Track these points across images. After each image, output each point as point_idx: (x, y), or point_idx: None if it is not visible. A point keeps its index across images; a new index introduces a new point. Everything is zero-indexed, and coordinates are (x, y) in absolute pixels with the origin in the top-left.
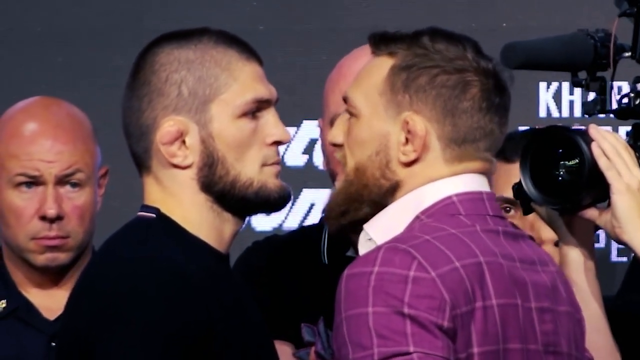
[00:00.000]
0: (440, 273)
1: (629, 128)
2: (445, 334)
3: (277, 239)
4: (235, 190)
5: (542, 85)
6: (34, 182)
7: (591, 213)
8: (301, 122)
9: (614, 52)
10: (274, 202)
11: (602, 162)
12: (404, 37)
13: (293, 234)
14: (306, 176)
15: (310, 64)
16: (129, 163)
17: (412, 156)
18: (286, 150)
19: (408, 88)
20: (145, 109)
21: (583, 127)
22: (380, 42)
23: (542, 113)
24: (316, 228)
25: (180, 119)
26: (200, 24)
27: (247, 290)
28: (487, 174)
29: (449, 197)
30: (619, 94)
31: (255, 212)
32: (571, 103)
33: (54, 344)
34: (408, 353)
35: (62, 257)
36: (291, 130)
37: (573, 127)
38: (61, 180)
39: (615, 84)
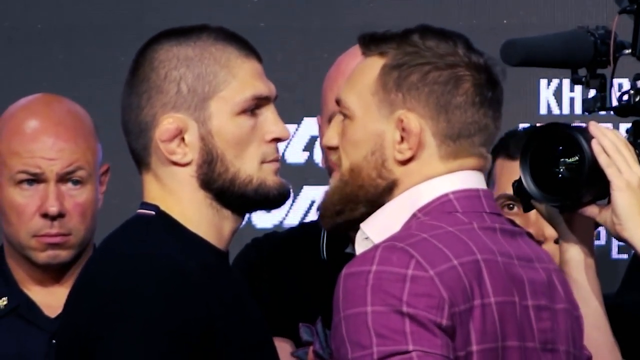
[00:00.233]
0: (438, 271)
1: (629, 125)
2: (444, 332)
3: (276, 236)
4: (234, 187)
5: (543, 82)
6: (35, 179)
7: (591, 210)
8: (302, 120)
9: (614, 49)
10: (273, 199)
11: (602, 159)
12: (393, 36)
13: (292, 230)
14: (307, 173)
15: (310, 62)
16: (130, 160)
17: (408, 154)
18: (287, 147)
19: (400, 86)
20: (144, 106)
21: (583, 125)
22: (371, 42)
23: (543, 110)
24: (315, 225)
25: (179, 116)
26: (202, 21)
27: (247, 287)
28: (483, 170)
29: (446, 195)
30: (619, 91)
31: (255, 209)
32: (572, 100)
33: (55, 341)
34: (407, 352)
35: (64, 255)
36: (292, 127)
37: (573, 125)
38: (63, 178)
39: (616, 81)
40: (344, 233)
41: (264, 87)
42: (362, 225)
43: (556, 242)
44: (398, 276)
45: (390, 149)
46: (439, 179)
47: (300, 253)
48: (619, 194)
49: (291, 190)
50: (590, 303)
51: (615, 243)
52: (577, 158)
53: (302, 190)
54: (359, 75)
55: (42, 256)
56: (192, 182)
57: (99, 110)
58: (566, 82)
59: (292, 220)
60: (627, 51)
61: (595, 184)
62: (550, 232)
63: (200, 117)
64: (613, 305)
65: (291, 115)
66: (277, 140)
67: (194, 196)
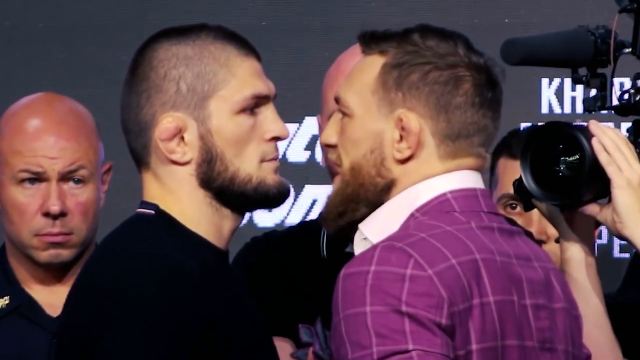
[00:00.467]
0: (437, 271)
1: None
2: (443, 332)
3: (276, 235)
4: (234, 186)
5: (544, 81)
6: (37, 178)
7: (592, 209)
8: (303, 119)
9: (614, 49)
10: (273, 198)
11: (602, 158)
12: (394, 35)
13: (292, 229)
14: (308, 172)
15: (312, 61)
16: (132, 159)
17: (407, 153)
18: (288, 146)
19: (400, 85)
20: (143, 105)
21: (584, 123)
22: (371, 41)
23: (544, 109)
24: (315, 223)
25: (178, 115)
26: (204, 20)
27: (246, 286)
28: (481, 170)
29: (444, 194)
30: (621, 90)
31: (255, 208)
32: (573, 99)
33: (54, 341)
34: (407, 351)
35: (65, 254)
36: (293, 126)
37: (573, 123)
38: (64, 177)
39: (618, 80)
40: (346, 236)
41: (264, 86)
42: (360, 225)
43: (557, 241)
44: (397, 276)
45: (390, 148)
46: (436, 179)
47: (300, 252)
48: (620, 192)
49: (292, 189)
50: (591, 302)
51: (617, 242)
52: (577, 156)
53: (304, 189)
54: (358, 73)
55: (44, 255)
56: (192, 181)
57: (101, 109)
58: (567, 82)
59: (294, 219)
60: (627, 50)
61: (596, 183)
62: (552, 231)
63: (199, 116)
64: (614, 304)
65: (293, 114)
66: (277, 139)
67: (193, 195)
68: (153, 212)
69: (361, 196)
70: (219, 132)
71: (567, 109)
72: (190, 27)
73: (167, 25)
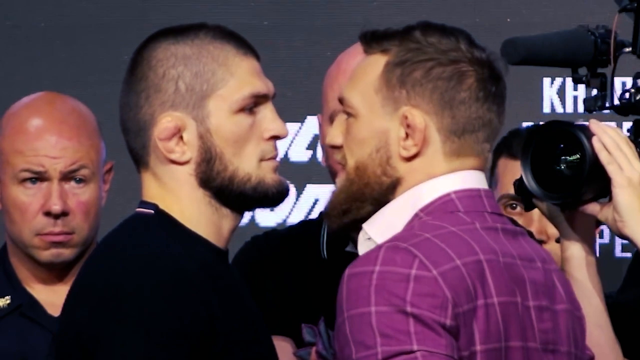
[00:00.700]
0: (442, 271)
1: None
2: (448, 332)
3: (276, 234)
4: (233, 185)
5: (546, 81)
6: (38, 177)
7: (592, 208)
8: (305, 118)
9: (614, 48)
10: (272, 197)
11: (603, 156)
12: (395, 33)
13: (292, 229)
14: (310, 171)
15: (314, 60)
16: None
17: (413, 150)
18: (290, 145)
19: (404, 83)
20: (142, 105)
21: (585, 123)
22: (372, 40)
23: (546, 109)
24: (316, 223)
25: (177, 115)
26: (206, 19)
27: (246, 286)
28: (484, 169)
29: (447, 194)
30: (623, 89)
31: (254, 207)
32: (575, 99)
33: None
34: (412, 352)
35: (67, 253)
36: (295, 125)
37: (574, 122)
38: (66, 176)
39: (619, 79)
40: (348, 233)
41: (262, 85)
42: (364, 225)
43: (557, 241)
44: (402, 276)
45: (395, 146)
46: (440, 179)
47: (301, 252)
48: (620, 191)
49: (294, 188)
50: (592, 301)
51: (618, 242)
52: (578, 156)
53: (306, 188)
54: (361, 73)
55: (46, 255)
56: (191, 180)
57: (102, 109)
58: (569, 81)
59: (296, 219)
60: (628, 50)
61: (596, 182)
62: (552, 231)
63: (198, 116)
64: (614, 303)
65: (294, 113)
66: (276, 137)
67: (192, 195)
68: (152, 211)
69: (366, 195)
70: (218, 131)
71: (569, 109)
72: (188, 27)
73: (168, 24)
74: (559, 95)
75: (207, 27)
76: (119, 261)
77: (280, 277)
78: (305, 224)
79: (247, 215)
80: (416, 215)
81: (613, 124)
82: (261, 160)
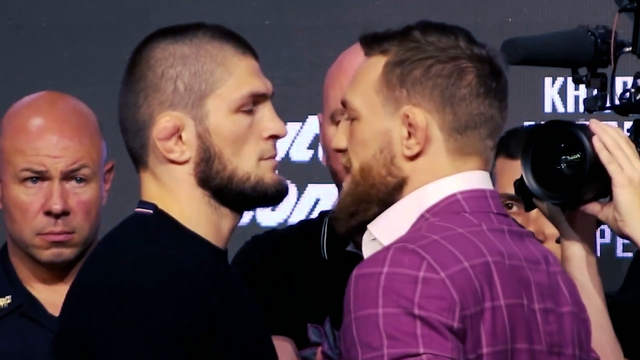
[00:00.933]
0: (450, 273)
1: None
2: (455, 335)
3: (276, 234)
4: (232, 185)
5: (548, 80)
6: (39, 177)
7: (593, 207)
8: (306, 118)
9: (615, 48)
10: (272, 196)
11: (603, 156)
12: (395, 34)
13: (292, 228)
14: (311, 171)
15: (316, 60)
16: None
17: (416, 149)
18: (291, 145)
19: (404, 82)
20: (141, 105)
21: (586, 122)
22: (372, 42)
23: (548, 109)
24: (315, 223)
25: (176, 115)
26: (207, 19)
27: (245, 286)
28: (487, 168)
29: (453, 195)
30: (623, 88)
31: (253, 207)
32: (576, 98)
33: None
34: (418, 354)
35: (68, 253)
36: (296, 125)
37: (574, 122)
38: (67, 176)
39: (620, 79)
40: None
41: (261, 84)
42: (369, 226)
43: (557, 241)
44: (409, 278)
45: (398, 146)
46: (445, 180)
47: (301, 251)
48: (621, 191)
49: (295, 188)
50: (592, 301)
51: (620, 241)
52: (578, 155)
53: (307, 188)
54: (362, 75)
55: (46, 254)
56: (190, 180)
57: (104, 108)
58: (571, 81)
59: (297, 218)
60: (628, 49)
61: (597, 181)
62: (550, 231)
63: (197, 115)
64: (615, 303)
65: (296, 113)
66: (275, 137)
67: (192, 194)
68: (151, 211)
69: (372, 196)
70: (216, 130)
71: (571, 109)
72: (187, 26)
73: (170, 24)
74: (560, 95)
75: (205, 26)
76: (118, 261)
77: (280, 277)
78: (305, 223)
79: (248, 215)
80: (422, 216)
81: (614, 123)
82: (260, 159)
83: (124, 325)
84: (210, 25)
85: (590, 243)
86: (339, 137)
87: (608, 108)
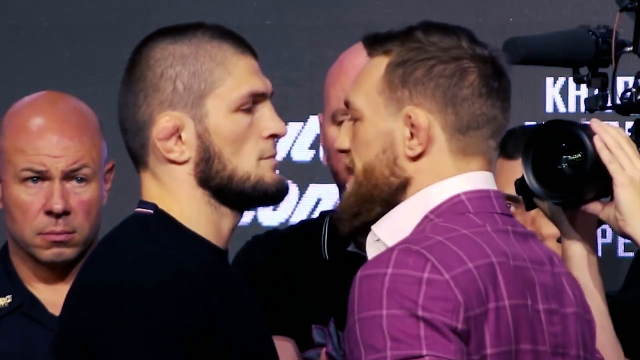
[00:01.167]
0: (454, 275)
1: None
2: (458, 337)
3: (276, 234)
4: (232, 184)
5: (549, 80)
6: (40, 177)
7: (594, 207)
8: (307, 117)
9: (615, 48)
10: (272, 196)
11: (604, 155)
12: (397, 34)
13: (293, 229)
14: (313, 171)
15: (316, 60)
16: None
17: (418, 150)
18: (292, 145)
19: (406, 83)
20: (141, 105)
21: (587, 122)
22: (375, 42)
23: (549, 108)
24: (316, 223)
25: (176, 114)
26: (207, 18)
27: (246, 286)
28: (491, 168)
29: (457, 196)
30: (624, 88)
31: (254, 206)
32: (578, 98)
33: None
34: (420, 356)
35: (68, 252)
36: (297, 125)
37: (575, 121)
38: (67, 175)
39: (621, 79)
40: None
41: (260, 84)
42: (373, 227)
43: (558, 240)
44: (414, 279)
45: (401, 146)
46: (449, 180)
47: (302, 251)
48: (622, 190)
49: (297, 188)
50: (593, 301)
51: (621, 241)
52: (579, 155)
53: (308, 188)
54: (365, 76)
55: (47, 254)
56: (190, 180)
57: (104, 108)
58: (572, 81)
59: (298, 218)
60: (629, 49)
61: (598, 181)
62: (547, 231)
63: (196, 115)
64: (616, 303)
65: (297, 113)
66: (274, 136)
67: (192, 194)
68: (151, 211)
69: (375, 197)
70: (216, 130)
71: (572, 108)
72: (186, 26)
73: (171, 24)
74: (562, 94)
75: (204, 26)
76: (119, 261)
77: (281, 277)
78: (306, 223)
79: (249, 215)
80: (426, 217)
81: (615, 123)
82: (260, 158)
83: (124, 325)
84: (210, 25)
85: (591, 243)
86: (342, 138)
87: (609, 108)
